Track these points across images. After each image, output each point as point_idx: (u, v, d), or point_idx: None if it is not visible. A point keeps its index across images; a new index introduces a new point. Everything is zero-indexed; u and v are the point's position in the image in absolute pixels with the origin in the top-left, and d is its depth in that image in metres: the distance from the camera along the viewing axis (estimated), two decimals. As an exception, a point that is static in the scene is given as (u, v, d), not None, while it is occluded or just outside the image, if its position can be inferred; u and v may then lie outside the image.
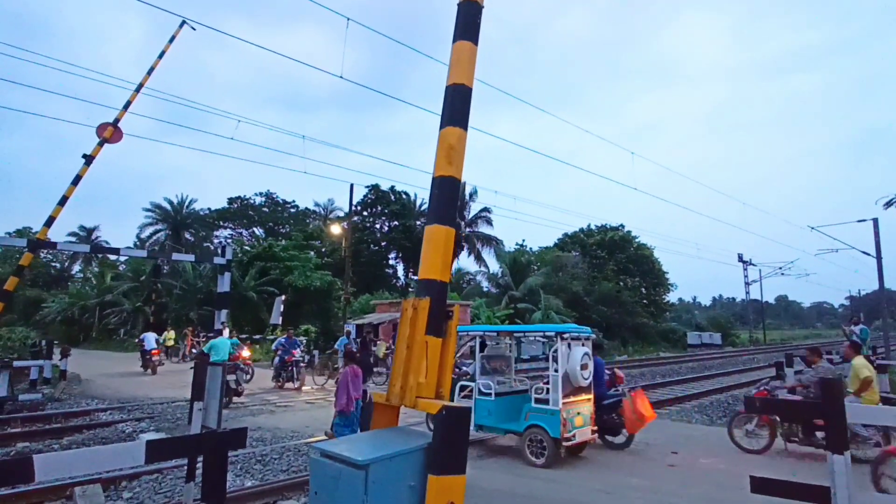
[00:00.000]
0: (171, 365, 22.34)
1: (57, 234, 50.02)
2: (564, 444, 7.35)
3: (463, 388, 8.94)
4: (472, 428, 8.57)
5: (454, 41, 4.52)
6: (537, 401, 7.70)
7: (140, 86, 12.36)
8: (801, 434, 7.65)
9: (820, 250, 32.09)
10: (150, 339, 19.70)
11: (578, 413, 7.74)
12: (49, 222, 11.65)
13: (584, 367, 7.81)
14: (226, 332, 19.96)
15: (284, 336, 16.99)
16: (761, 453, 7.94)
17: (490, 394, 8.26)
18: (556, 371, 7.48)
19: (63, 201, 11.69)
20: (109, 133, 11.94)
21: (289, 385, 15.60)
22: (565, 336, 7.72)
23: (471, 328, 10.05)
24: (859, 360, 7.47)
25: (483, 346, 9.12)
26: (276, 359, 16.27)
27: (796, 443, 7.73)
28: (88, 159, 11.83)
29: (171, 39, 13.07)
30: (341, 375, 7.80)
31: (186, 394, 12.60)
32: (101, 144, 11.94)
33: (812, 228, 28.03)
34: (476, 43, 4.54)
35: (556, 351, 7.56)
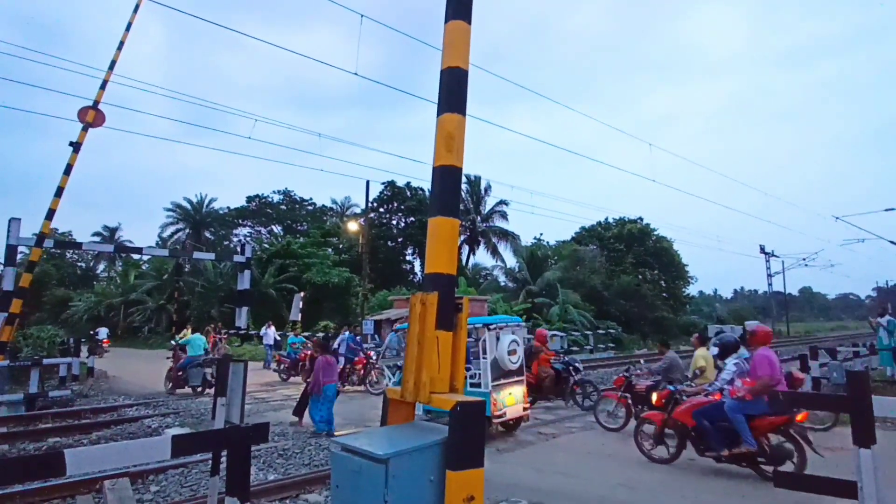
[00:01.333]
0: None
1: (81, 234, 51.22)
2: (495, 420, 8.29)
3: None
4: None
5: (446, 21, 4.30)
6: (471, 384, 8.52)
7: (113, 63, 12.30)
8: None
9: (846, 240, 31.40)
10: (103, 332, 23.49)
11: (510, 393, 8.72)
12: (49, 215, 11.86)
13: (512, 352, 8.77)
14: (271, 330, 20.34)
15: (346, 331, 15.42)
16: (619, 430, 8.93)
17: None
18: (485, 358, 8.45)
19: (59, 192, 11.86)
20: (91, 116, 11.93)
21: (359, 388, 14.02)
22: (492, 327, 8.75)
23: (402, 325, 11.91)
24: (700, 352, 8.60)
25: None
26: (341, 360, 13.84)
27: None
28: (76, 146, 11.89)
29: (136, 9, 12.79)
30: (316, 364, 9.11)
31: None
32: (85, 129, 11.95)
33: (837, 218, 27.40)
34: (469, 22, 4.29)
35: (484, 340, 8.51)
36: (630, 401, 9.01)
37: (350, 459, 3.26)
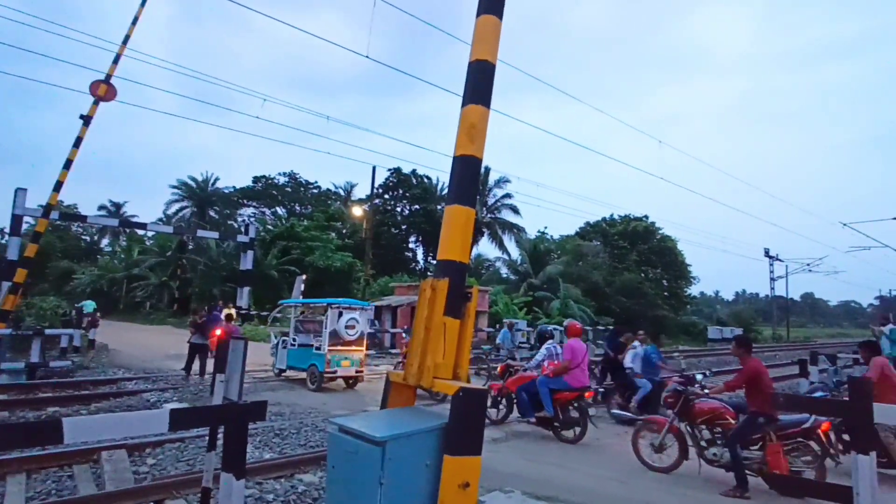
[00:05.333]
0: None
1: (87, 208, 51.33)
2: (326, 376, 11.29)
3: (284, 341, 12.76)
4: (284, 367, 12.70)
5: (477, 15, 4.35)
6: (316, 349, 11.56)
7: (127, 37, 12.25)
8: None
9: (851, 247, 31.23)
10: (89, 305, 23.46)
11: (346, 358, 11.53)
12: (57, 187, 11.89)
13: (350, 326, 11.56)
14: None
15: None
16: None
17: (295, 345, 12.39)
18: (325, 328, 11.45)
19: (68, 165, 11.89)
20: (103, 90, 11.91)
21: None
22: (334, 307, 11.69)
23: (289, 301, 14.85)
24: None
25: (302, 313, 13.68)
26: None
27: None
28: (86, 119, 11.90)
29: None
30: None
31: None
32: (96, 103, 11.94)
33: (844, 225, 27.22)
34: (500, 17, 4.34)
35: (327, 316, 11.52)
36: None
37: (347, 440, 3.26)
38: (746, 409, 5.86)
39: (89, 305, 21.24)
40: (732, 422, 5.91)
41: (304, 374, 11.93)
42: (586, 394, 7.78)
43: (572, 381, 7.69)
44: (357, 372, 11.84)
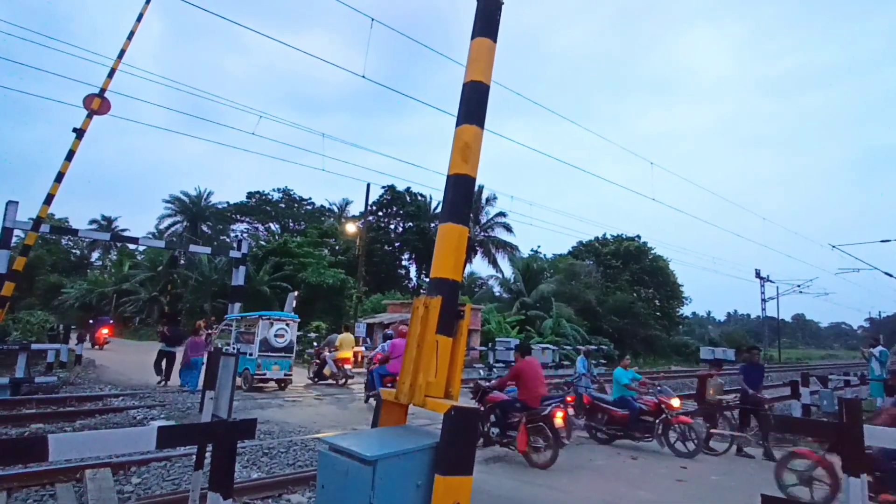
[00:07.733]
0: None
1: (78, 222, 50.99)
2: (256, 377, 12.90)
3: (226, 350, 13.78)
4: None
5: (472, 38, 4.45)
6: (249, 355, 13.11)
7: (122, 52, 12.24)
8: None
9: (841, 269, 31.55)
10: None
11: (276, 363, 13.13)
12: (48, 200, 11.77)
13: (279, 336, 13.28)
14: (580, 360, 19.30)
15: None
16: (312, 379, 15.46)
17: (233, 354, 12.65)
18: (257, 336, 13.09)
19: (59, 178, 11.79)
20: (97, 104, 11.88)
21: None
22: (265, 318, 13.50)
23: (232, 315, 16.04)
24: (342, 335, 15.02)
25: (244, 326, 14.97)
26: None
27: None
28: (79, 133, 11.84)
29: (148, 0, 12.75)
30: (188, 343, 13.08)
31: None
32: (89, 116, 11.92)
33: (833, 247, 27.52)
34: (495, 40, 4.45)
35: (259, 325, 13.22)
36: (318, 365, 15.22)
37: (338, 460, 3.22)
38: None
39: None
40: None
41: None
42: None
43: (392, 368, 10.10)
44: (286, 375, 13.44)
